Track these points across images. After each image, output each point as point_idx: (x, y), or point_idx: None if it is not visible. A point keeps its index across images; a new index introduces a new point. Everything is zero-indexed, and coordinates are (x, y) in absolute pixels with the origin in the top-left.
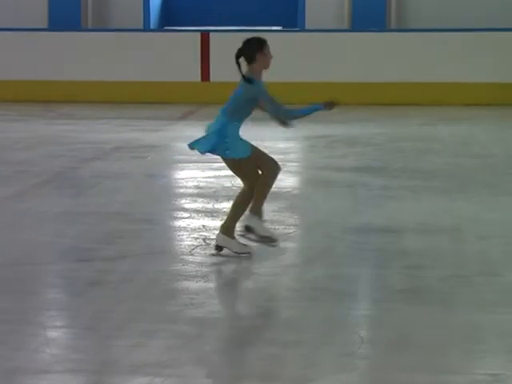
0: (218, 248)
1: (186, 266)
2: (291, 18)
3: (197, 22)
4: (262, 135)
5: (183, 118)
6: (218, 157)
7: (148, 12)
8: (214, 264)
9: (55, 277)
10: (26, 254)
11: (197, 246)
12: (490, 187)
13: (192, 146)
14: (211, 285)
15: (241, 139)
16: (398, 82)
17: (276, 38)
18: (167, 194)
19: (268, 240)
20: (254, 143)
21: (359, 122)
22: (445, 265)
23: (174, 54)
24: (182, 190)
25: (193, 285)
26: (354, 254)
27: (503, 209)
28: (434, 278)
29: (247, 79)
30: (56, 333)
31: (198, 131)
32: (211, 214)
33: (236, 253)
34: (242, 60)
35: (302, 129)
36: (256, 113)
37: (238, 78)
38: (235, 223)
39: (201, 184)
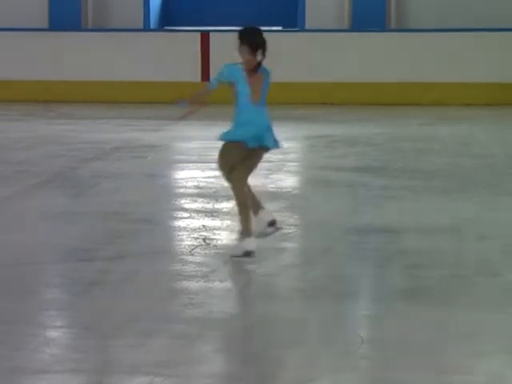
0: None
1: (185, 266)
2: (291, 18)
3: (197, 22)
4: None
5: (183, 118)
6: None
7: (148, 12)
8: (213, 264)
9: (55, 277)
10: (26, 254)
11: (197, 246)
12: (490, 187)
13: (273, 145)
14: (211, 285)
15: None
16: (398, 82)
17: (276, 38)
18: (167, 194)
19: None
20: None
21: (359, 121)
22: (445, 265)
23: (173, 54)
24: (181, 190)
25: (193, 285)
26: (353, 253)
27: (503, 209)
28: (433, 277)
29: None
30: (56, 333)
31: (198, 131)
32: (211, 214)
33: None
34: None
35: (302, 129)
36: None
37: None
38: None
39: (201, 184)
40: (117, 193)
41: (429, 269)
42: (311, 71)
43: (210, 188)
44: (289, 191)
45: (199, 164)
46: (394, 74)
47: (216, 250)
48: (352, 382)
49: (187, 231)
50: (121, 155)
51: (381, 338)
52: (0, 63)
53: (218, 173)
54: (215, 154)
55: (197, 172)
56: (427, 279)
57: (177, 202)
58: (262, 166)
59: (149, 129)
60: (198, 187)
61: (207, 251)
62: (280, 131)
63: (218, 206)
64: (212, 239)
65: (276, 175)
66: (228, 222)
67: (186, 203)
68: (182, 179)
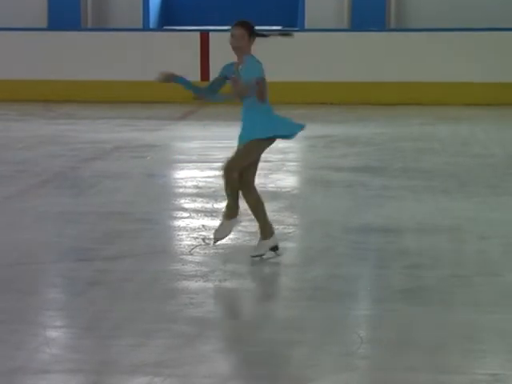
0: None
1: (185, 266)
2: (291, 18)
3: (196, 21)
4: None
5: (183, 117)
6: (219, 155)
7: (147, 11)
8: (213, 264)
9: (55, 277)
10: (26, 254)
11: (196, 246)
12: (490, 187)
13: (293, 133)
14: (210, 284)
15: None
16: (398, 82)
17: (276, 38)
18: (167, 194)
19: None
20: None
21: (359, 121)
22: (445, 265)
23: (173, 54)
24: (181, 190)
25: (192, 284)
26: (353, 253)
27: (503, 209)
28: (433, 277)
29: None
30: (56, 333)
31: (197, 131)
32: (210, 213)
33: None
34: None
35: None
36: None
37: None
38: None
39: (200, 184)
40: (116, 193)
41: (429, 269)
42: (311, 71)
43: (210, 188)
44: (288, 191)
45: (199, 164)
46: (393, 73)
47: (215, 250)
48: (352, 382)
49: (187, 231)
50: (121, 155)
51: (380, 338)
52: (0, 63)
53: (217, 173)
54: (215, 154)
55: (196, 172)
56: (427, 279)
57: (176, 202)
58: (261, 165)
59: (148, 129)
60: (197, 187)
61: (206, 251)
62: None
63: (217, 205)
64: (211, 239)
65: (275, 175)
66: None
67: (186, 203)
68: (182, 179)
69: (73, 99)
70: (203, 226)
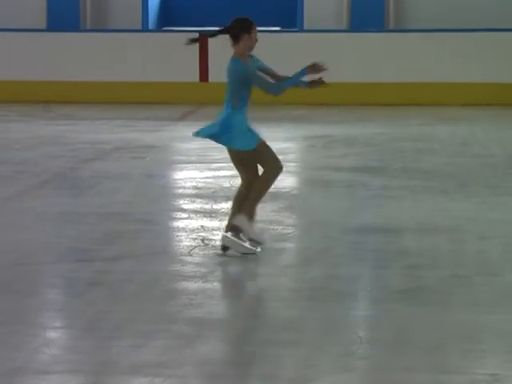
0: (225, 249)
1: (184, 267)
2: (290, 19)
3: (195, 22)
4: (261, 135)
5: (182, 118)
6: (218, 156)
7: (146, 12)
8: (212, 264)
9: (55, 277)
10: (26, 254)
11: (195, 247)
12: (490, 187)
13: (197, 133)
14: (210, 285)
15: (250, 131)
16: (398, 82)
17: (275, 39)
18: (166, 195)
19: (255, 243)
20: None
21: (359, 122)
22: (444, 265)
23: (172, 55)
24: (180, 191)
25: (192, 285)
26: (353, 254)
27: (503, 209)
28: (433, 278)
29: (233, 61)
30: (56, 333)
31: None
32: (210, 214)
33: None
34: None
35: (300, 129)
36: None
37: None
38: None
39: (199, 184)
40: (116, 193)
41: (428, 269)
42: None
43: (209, 188)
44: (288, 191)
45: (198, 164)
46: (392, 74)
47: (214, 251)
48: (351, 382)
49: (186, 232)
50: (120, 156)
51: (380, 339)
52: (0, 63)
53: (216, 173)
54: (214, 155)
55: (195, 172)
56: (427, 279)
57: (175, 203)
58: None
59: (148, 129)
60: (196, 188)
61: (206, 252)
62: (279, 131)
63: (216, 206)
64: (210, 240)
65: None
66: (226, 223)
67: (185, 204)
68: (181, 180)
69: (72, 100)
70: (202, 226)
